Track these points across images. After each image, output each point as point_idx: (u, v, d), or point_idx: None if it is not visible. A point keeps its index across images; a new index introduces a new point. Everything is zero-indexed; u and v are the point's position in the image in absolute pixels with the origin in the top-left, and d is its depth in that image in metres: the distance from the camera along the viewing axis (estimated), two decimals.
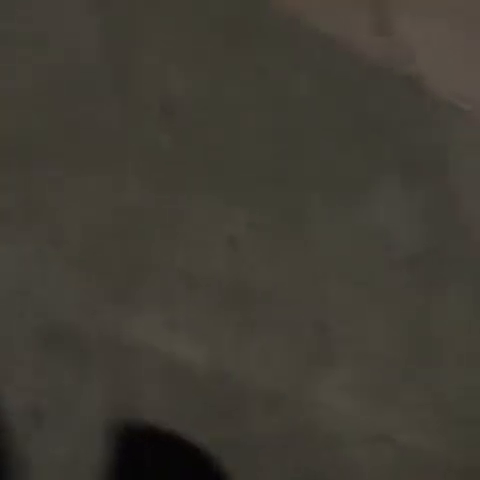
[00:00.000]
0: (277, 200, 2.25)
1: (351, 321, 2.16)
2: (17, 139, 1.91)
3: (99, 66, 2.10)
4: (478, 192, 2.60)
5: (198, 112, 2.21)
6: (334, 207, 2.33)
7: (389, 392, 2.11)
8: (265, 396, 1.96)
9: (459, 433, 2.14)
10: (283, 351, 2.04)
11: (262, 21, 2.44)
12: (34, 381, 1.70)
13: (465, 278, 2.45)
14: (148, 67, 2.19)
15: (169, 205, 2.09)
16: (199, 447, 1.79)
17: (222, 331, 1.99)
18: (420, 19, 2.71)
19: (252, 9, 2.43)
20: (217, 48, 2.33)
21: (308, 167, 2.35)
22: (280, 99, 2.41)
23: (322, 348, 2.09)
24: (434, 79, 2.75)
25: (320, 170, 2.38)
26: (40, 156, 1.95)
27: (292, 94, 2.44)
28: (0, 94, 1.94)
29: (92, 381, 1.78)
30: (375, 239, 2.35)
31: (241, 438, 1.90)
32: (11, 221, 1.83)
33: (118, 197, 2.01)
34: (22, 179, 1.90)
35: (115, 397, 1.77)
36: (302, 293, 2.14)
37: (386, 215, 2.40)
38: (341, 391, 2.06)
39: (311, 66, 2.51)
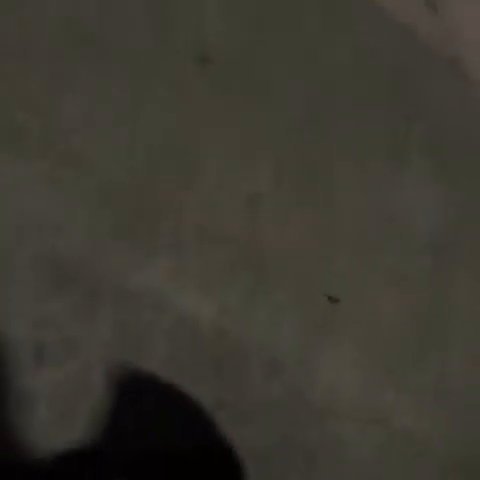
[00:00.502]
0: (303, 163, 2.19)
1: (363, 299, 2.11)
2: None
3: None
4: None
5: (233, 61, 2.15)
6: (360, 181, 2.28)
7: (391, 374, 2.07)
8: (267, 362, 1.92)
9: (458, 423, 2.10)
10: (290, 318, 1.99)
11: None
12: (37, 314, 1.65)
13: (473, 275, 2.41)
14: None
15: (192, 153, 2.02)
16: (196, 402, 1.76)
17: (231, 289, 1.94)
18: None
19: None
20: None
21: (339, 136, 2.30)
22: (316, 61, 2.35)
23: (330, 321, 2.04)
24: (474, 63, 2.69)
25: (351, 141, 2.32)
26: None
27: (328, 57, 2.38)
28: None
29: (96, 321, 1.72)
30: (397, 220, 2.30)
31: (236, 399, 1.85)
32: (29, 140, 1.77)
33: (142, 136, 1.95)
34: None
35: (118, 339, 1.72)
36: (317, 264, 2.09)
37: (411, 198, 2.35)
38: (343, 367, 2.02)
39: (352, 31, 2.45)
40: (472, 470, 2.10)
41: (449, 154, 2.54)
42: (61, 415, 1.59)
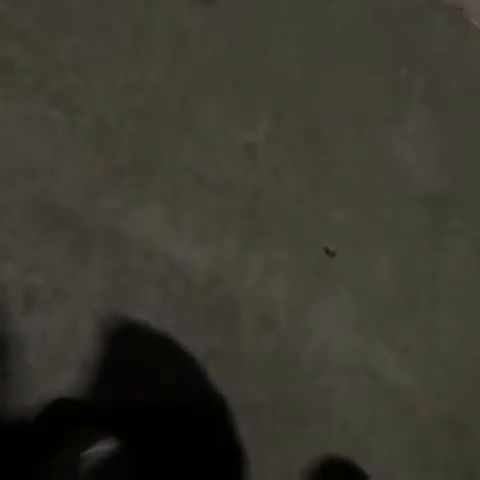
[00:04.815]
0: (300, 114, 2.13)
1: (358, 253, 2.08)
2: None
3: None
4: None
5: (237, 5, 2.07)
6: (359, 131, 2.22)
7: (384, 330, 2.05)
8: (259, 314, 1.88)
9: (446, 381, 2.09)
10: (284, 271, 1.95)
11: None
12: (28, 259, 1.60)
13: (470, 230, 2.38)
14: None
15: (191, 94, 1.95)
16: (187, 354, 1.73)
17: (226, 239, 1.90)
18: None
19: None
20: None
21: (335, 86, 2.23)
22: (316, 12, 2.27)
23: (325, 275, 2.00)
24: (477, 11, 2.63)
25: (347, 92, 2.25)
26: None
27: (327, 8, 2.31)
28: None
29: (86, 268, 1.68)
30: (395, 172, 2.25)
31: (227, 351, 1.83)
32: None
33: (139, 76, 1.88)
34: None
35: (109, 287, 1.68)
36: (312, 215, 2.05)
37: (410, 149, 2.30)
38: (336, 321, 2.00)
39: None
40: (458, 427, 2.11)
41: (450, 104, 2.48)
42: (49, 363, 1.55)
